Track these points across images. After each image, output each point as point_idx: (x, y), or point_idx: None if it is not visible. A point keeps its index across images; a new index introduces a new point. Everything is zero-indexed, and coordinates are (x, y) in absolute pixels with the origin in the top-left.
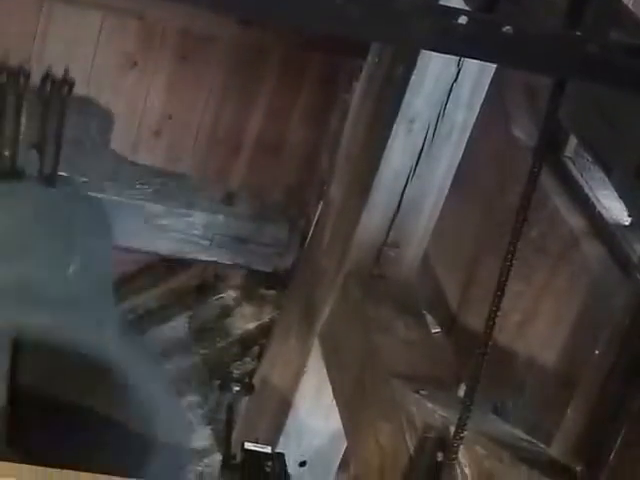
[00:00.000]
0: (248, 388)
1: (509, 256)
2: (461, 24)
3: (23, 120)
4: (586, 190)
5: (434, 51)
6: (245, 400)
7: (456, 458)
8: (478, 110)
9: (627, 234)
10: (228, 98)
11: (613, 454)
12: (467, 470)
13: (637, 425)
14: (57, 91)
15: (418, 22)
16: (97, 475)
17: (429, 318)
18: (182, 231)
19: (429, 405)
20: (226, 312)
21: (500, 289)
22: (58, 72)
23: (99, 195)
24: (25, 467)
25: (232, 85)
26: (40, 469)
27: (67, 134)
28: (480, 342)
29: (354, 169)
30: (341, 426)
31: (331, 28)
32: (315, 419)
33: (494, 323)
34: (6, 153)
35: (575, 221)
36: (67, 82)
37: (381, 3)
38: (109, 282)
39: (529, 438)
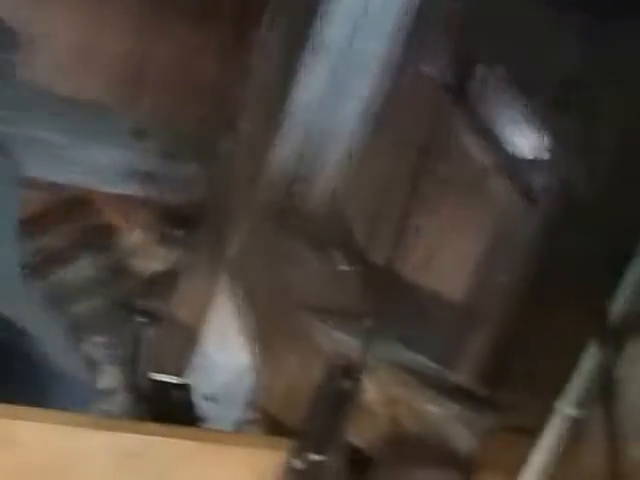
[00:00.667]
0: (154, 320)
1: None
2: None
3: None
4: (493, 126)
5: None
6: (153, 335)
7: (359, 382)
8: (389, 43)
9: (534, 169)
10: (139, 33)
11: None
12: (372, 396)
13: (537, 348)
14: None
15: None
16: None
17: (338, 254)
18: (90, 164)
19: (337, 335)
20: (134, 252)
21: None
22: None
23: (5, 128)
24: None
25: (142, 20)
26: None
27: None
28: (387, 273)
29: (265, 102)
30: (250, 361)
31: None
32: (223, 354)
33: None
34: None
35: (483, 157)
36: None
37: None
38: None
39: (435, 365)
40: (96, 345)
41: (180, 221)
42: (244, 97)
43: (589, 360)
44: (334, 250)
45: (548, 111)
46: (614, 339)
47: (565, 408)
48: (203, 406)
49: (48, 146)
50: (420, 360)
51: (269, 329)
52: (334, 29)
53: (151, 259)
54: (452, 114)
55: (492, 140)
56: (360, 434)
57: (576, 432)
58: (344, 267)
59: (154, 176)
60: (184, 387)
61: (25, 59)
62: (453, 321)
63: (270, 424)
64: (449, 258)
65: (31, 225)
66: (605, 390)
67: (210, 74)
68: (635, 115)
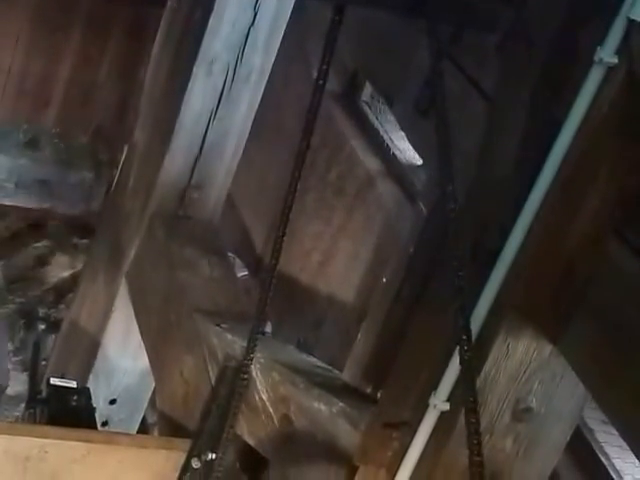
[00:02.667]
0: (53, 326)
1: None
2: None
3: None
4: (381, 133)
5: None
6: (54, 340)
7: (246, 380)
8: (276, 54)
9: (419, 173)
10: (36, 47)
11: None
12: (263, 395)
13: (414, 346)
14: None
15: None
16: None
17: (237, 261)
18: None
19: (230, 337)
20: (41, 261)
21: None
22: None
23: None
24: None
25: (40, 34)
26: None
27: None
28: (272, 275)
29: (157, 113)
30: (149, 363)
31: None
32: (124, 358)
33: (279, 252)
34: None
35: (371, 163)
36: None
37: None
38: None
39: (325, 366)
40: (5, 353)
41: (85, 230)
42: (138, 108)
43: (457, 358)
44: (230, 255)
45: (418, 117)
46: (478, 338)
47: (437, 402)
48: (105, 410)
49: None
50: (310, 360)
51: (165, 332)
52: (222, 43)
53: (58, 268)
54: (339, 121)
55: (377, 146)
56: (253, 433)
57: (447, 426)
58: (241, 272)
59: (50, 186)
60: (83, 391)
61: None
62: (343, 322)
63: (168, 425)
64: (340, 261)
65: None
66: (468, 386)
67: (109, 88)
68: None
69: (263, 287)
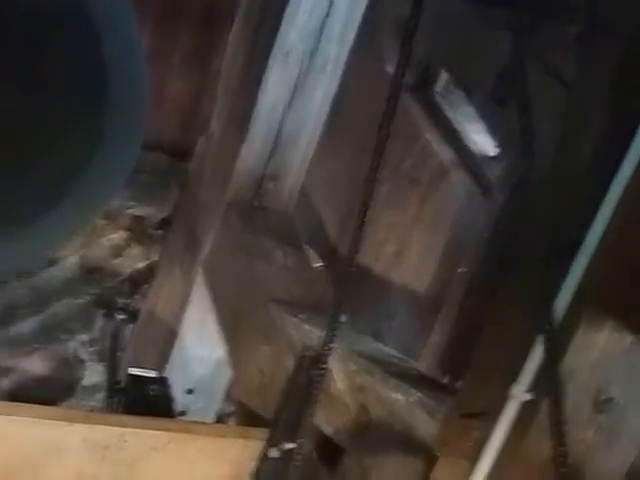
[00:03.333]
0: (132, 316)
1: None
2: None
3: None
4: (455, 124)
5: None
6: (132, 330)
7: (324, 370)
8: (351, 44)
9: (493, 163)
10: None
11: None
12: (340, 385)
13: (492, 336)
14: None
15: None
16: None
17: (311, 251)
18: None
19: (307, 327)
20: (116, 252)
21: (363, 212)
22: None
23: None
24: None
25: None
26: None
27: None
28: (350, 265)
29: (233, 103)
30: (225, 354)
31: None
32: (200, 348)
33: (358, 244)
34: None
35: (445, 153)
36: None
37: None
38: None
39: (401, 356)
40: (81, 343)
41: (159, 221)
42: (213, 100)
43: (539, 348)
44: (304, 246)
45: (495, 107)
46: (559, 329)
47: (518, 393)
48: (182, 399)
49: None
50: (386, 350)
51: (242, 322)
52: (298, 33)
53: (132, 259)
54: (413, 113)
55: (451, 136)
56: (330, 423)
57: (529, 416)
58: (315, 262)
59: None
60: (162, 381)
61: None
62: (417, 312)
63: (245, 415)
64: (414, 252)
65: None
66: (553, 376)
67: (184, 79)
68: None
69: (339, 277)
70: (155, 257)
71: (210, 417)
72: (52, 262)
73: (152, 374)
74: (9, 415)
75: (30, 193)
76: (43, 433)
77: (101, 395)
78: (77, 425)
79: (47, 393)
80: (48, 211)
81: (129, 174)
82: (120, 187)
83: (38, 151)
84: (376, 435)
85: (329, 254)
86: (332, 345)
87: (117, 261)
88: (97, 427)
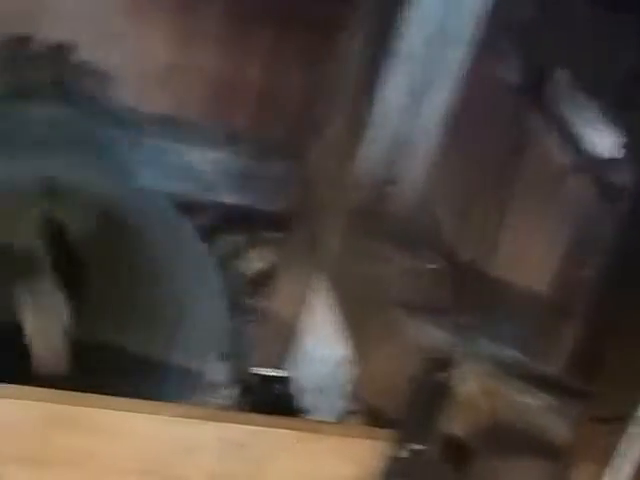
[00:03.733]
0: (260, 319)
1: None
2: None
3: None
4: (576, 127)
5: None
6: (257, 330)
7: (453, 374)
8: (469, 48)
9: (615, 167)
10: (227, 45)
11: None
12: (468, 388)
13: (626, 340)
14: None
15: None
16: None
17: (427, 252)
18: (190, 174)
19: (432, 330)
20: (235, 254)
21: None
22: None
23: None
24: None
25: (230, 32)
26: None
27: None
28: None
29: (351, 107)
30: (347, 354)
31: None
32: (323, 348)
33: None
34: None
35: (565, 157)
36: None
37: None
38: None
39: (526, 358)
40: None
41: (276, 224)
42: (330, 102)
43: None
44: (423, 249)
45: (620, 109)
46: None
47: None
48: (304, 398)
49: (150, 155)
50: (512, 353)
51: (364, 324)
52: (414, 36)
53: (252, 260)
54: (530, 116)
55: (570, 140)
56: (459, 425)
57: None
58: (433, 265)
59: (249, 183)
60: (287, 380)
61: (117, 77)
62: (541, 315)
63: (369, 414)
64: (535, 254)
65: None
66: None
67: (298, 82)
68: None
69: (461, 279)
70: (273, 259)
71: (332, 416)
72: None
73: (277, 373)
74: (144, 413)
75: None
76: (178, 431)
77: (224, 392)
78: (211, 423)
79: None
80: None
81: None
82: None
83: None
84: (506, 438)
85: (446, 257)
86: (460, 348)
87: (237, 263)
88: (231, 425)
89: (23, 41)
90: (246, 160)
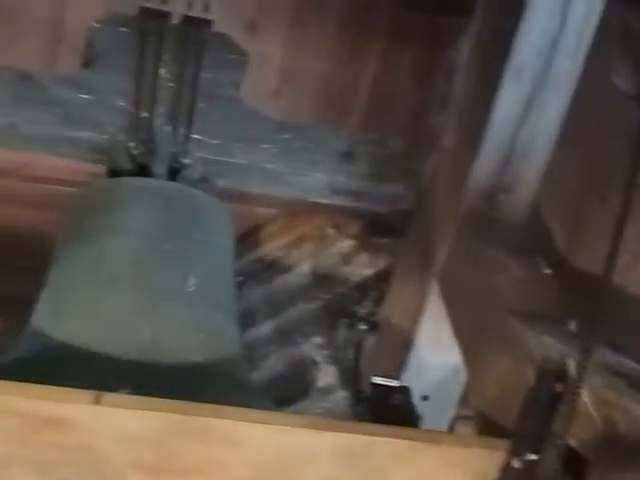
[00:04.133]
0: (374, 327)
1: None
2: None
3: (162, 71)
4: None
5: None
6: (370, 338)
7: (580, 389)
8: (583, 58)
9: None
10: (341, 58)
11: None
12: (585, 398)
13: None
14: (196, 30)
15: None
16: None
17: (541, 260)
18: (304, 184)
19: (546, 339)
20: (345, 260)
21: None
22: (196, 12)
23: (228, 160)
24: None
25: (344, 45)
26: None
27: (203, 84)
28: (596, 280)
29: (465, 118)
30: (460, 361)
31: None
32: (435, 356)
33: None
34: (144, 115)
35: None
36: (205, 21)
37: None
38: (230, 284)
39: None
40: (315, 346)
41: (385, 230)
42: (446, 114)
43: None
44: (536, 256)
45: None
46: None
47: None
48: (418, 406)
49: (262, 166)
50: (630, 365)
51: (478, 332)
52: (531, 50)
53: (361, 266)
54: None
55: None
56: (575, 435)
57: None
58: (547, 272)
59: (362, 191)
60: (404, 390)
61: (239, 83)
62: None
63: (483, 424)
64: None
65: (251, 237)
66: None
67: (409, 95)
68: None
69: (574, 288)
70: (382, 265)
71: (444, 424)
72: (286, 269)
73: (394, 383)
74: (260, 422)
75: None
76: (295, 441)
77: (334, 397)
78: (327, 433)
79: (283, 394)
80: None
81: None
82: None
83: None
84: (624, 449)
85: (557, 264)
86: (574, 357)
87: (346, 268)
88: (346, 435)
89: (159, 14)
90: (361, 169)
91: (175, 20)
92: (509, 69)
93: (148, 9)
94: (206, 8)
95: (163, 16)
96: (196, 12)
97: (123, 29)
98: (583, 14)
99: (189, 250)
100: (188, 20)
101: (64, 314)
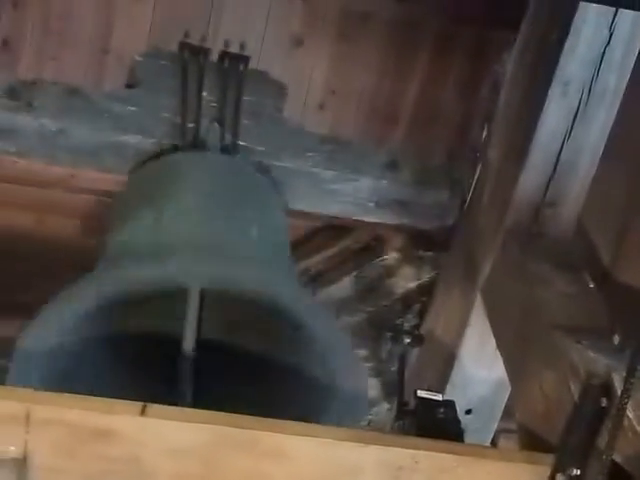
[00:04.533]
0: (418, 340)
1: None
2: None
3: (204, 94)
4: None
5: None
6: (414, 351)
7: (625, 404)
8: (629, 73)
9: None
10: (386, 71)
11: None
12: (630, 414)
13: None
14: (235, 66)
15: None
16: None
17: (585, 274)
18: (349, 195)
19: (591, 354)
20: (388, 273)
21: None
22: (234, 48)
23: (275, 163)
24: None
25: (389, 59)
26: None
27: (245, 106)
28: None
29: (511, 132)
30: (503, 375)
31: None
32: (479, 369)
33: None
34: (190, 125)
35: None
36: (243, 57)
37: None
38: (286, 247)
39: None
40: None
41: (429, 243)
42: (491, 128)
43: None
44: (581, 271)
45: None
46: None
47: None
48: (463, 420)
49: (308, 179)
50: None
51: (522, 346)
52: (578, 63)
53: (404, 279)
54: None
55: None
56: (619, 450)
57: None
58: (592, 287)
59: (407, 204)
60: (450, 404)
61: (282, 107)
62: None
63: (528, 438)
64: None
65: (297, 250)
66: None
67: (454, 108)
68: None
69: (621, 303)
70: (425, 278)
71: (488, 437)
72: (330, 282)
73: (439, 397)
74: (307, 436)
75: None
76: (339, 454)
77: (378, 409)
78: (372, 447)
79: None
80: None
81: None
82: None
83: None
84: None
85: (601, 278)
86: (619, 373)
87: (390, 281)
88: (391, 449)
89: (197, 50)
90: (405, 181)
91: (214, 56)
92: (555, 83)
93: (188, 44)
94: (242, 47)
95: (203, 52)
96: (234, 49)
97: (164, 62)
98: (630, 28)
99: (248, 208)
100: (226, 55)
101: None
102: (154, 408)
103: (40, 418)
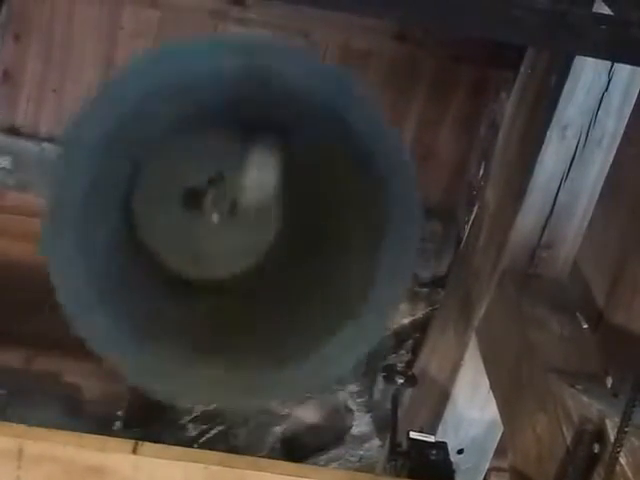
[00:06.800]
0: (411, 381)
1: None
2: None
3: None
4: None
5: (608, 60)
6: (407, 391)
7: (620, 451)
8: (627, 117)
9: None
10: (384, 108)
11: None
12: (623, 460)
13: None
14: None
15: (594, 32)
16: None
17: (580, 316)
18: None
19: (584, 399)
20: None
21: None
22: None
23: None
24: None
25: (388, 96)
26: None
27: None
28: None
29: (509, 173)
30: (496, 416)
31: (507, 37)
32: (472, 409)
33: None
34: None
35: None
36: None
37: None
38: None
39: None
40: (350, 394)
41: (424, 280)
42: (488, 168)
43: None
44: (576, 312)
45: None
46: None
47: None
48: (454, 460)
49: None
50: None
51: (516, 388)
52: (576, 108)
53: (398, 314)
54: None
55: None
56: None
57: None
58: (585, 327)
59: None
60: (442, 446)
61: None
62: None
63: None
64: None
65: None
66: None
67: (450, 148)
68: None
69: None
70: (419, 314)
71: (479, 477)
72: None
73: (432, 438)
74: (296, 476)
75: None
76: None
77: (369, 445)
78: None
79: (319, 440)
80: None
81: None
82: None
83: (313, 295)
84: None
85: (596, 318)
86: (613, 419)
87: None
88: None
89: None
90: None
91: None
92: (554, 126)
93: None
94: None
95: None
96: None
97: None
98: (629, 73)
99: None
100: None
101: None
102: (146, 446)
103: (33, 454)
